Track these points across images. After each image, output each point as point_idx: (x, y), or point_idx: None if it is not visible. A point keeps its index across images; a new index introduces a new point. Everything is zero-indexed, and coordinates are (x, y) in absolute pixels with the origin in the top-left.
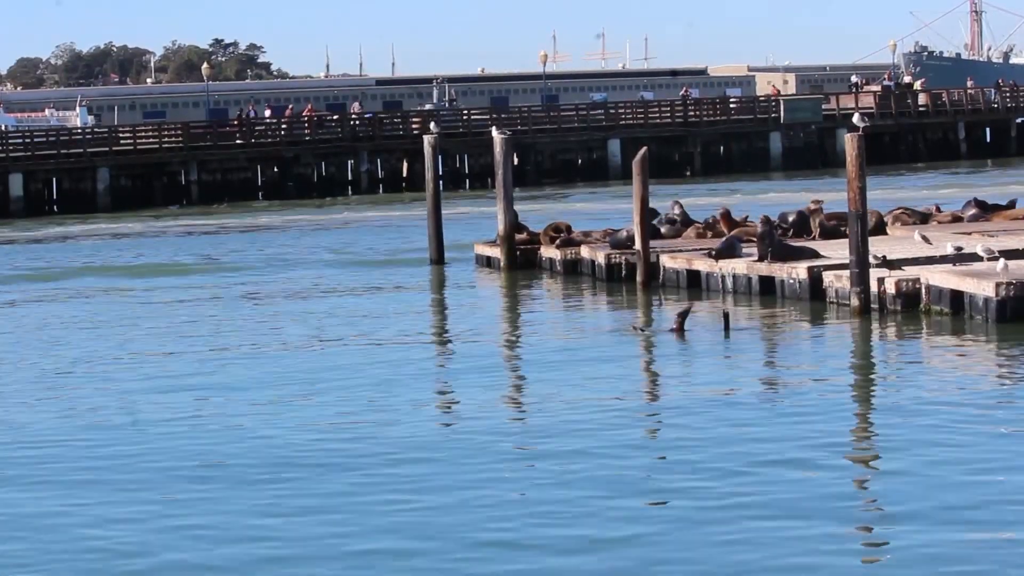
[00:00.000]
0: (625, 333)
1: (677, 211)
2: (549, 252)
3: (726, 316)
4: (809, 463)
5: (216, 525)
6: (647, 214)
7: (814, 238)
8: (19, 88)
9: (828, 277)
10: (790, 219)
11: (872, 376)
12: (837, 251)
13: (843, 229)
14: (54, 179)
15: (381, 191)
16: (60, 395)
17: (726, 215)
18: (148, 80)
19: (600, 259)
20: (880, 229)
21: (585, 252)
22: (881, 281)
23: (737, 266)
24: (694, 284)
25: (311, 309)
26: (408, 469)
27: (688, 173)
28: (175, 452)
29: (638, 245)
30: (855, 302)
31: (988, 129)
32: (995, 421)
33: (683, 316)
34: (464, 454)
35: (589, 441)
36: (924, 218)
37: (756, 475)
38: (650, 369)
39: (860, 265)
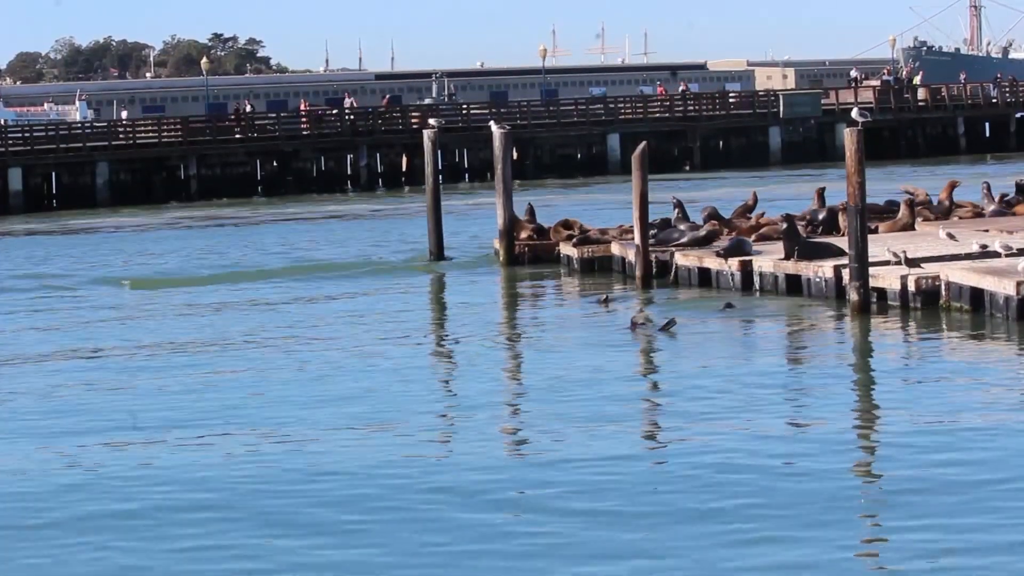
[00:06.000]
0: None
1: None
2: (566, 249)
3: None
4: (803, 462)
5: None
6: (641, 213)
7: (843, 235)
8: (18, 82)
9: (846, 275)
10: (820, 216)
11: (868, 374)
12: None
13: (872, 226)
14: (53, 174)
15: (380, 186)
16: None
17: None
18: (147, 74)
19: (631, 257)
20: (911, 225)
21: (616, 249)
22: (903, 278)
23: (764, 264)
24: (705, 282)
25: (307, 305)
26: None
27: (687, 168)
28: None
29: (637, 240)
30: (854, 297)
31: (987, 124)
32: (1006, 420)
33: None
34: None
35: (588, 447)
36: (946, 212)
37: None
38: (634, 366)
39: (859, 260)
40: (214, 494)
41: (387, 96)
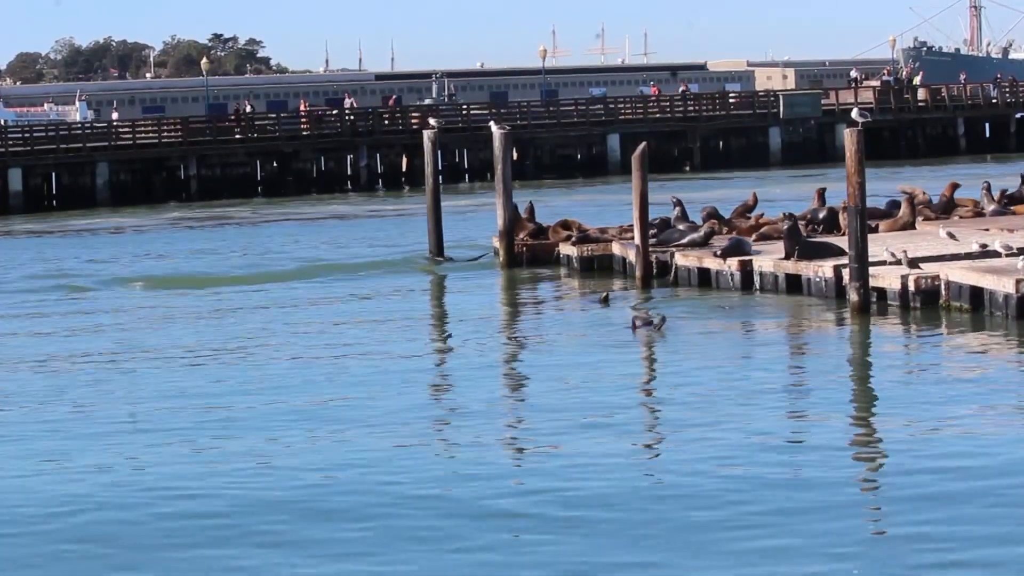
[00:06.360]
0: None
1: (704, 219)
2: (566, 249)
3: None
4: (799, 463)
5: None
6: (641, 213)
7: (843, 234)
8: (18, 83)
9: (846, 275)
10: (820, 216)
11: (868, 374)
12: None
13: (873, 225)
14: (53, 174)
15: (380, 186)
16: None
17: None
18: (147, 75)
19: (631, 256)
20: (912, 224)
21: (616, 249)
22: (903, 278)
23: (764, 264)
24: (705, 282)
25: (309, 307)
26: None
27: (687, 168)
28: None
29: (637, 240)
30: (854, 297)
31: (987, 124)
32: (1008, 421)
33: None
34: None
35: (591, 447)
36: (947, 208)
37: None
38: (635, 366)
39: (859, 260)
40: (209, 499)
41: (393, 97)
